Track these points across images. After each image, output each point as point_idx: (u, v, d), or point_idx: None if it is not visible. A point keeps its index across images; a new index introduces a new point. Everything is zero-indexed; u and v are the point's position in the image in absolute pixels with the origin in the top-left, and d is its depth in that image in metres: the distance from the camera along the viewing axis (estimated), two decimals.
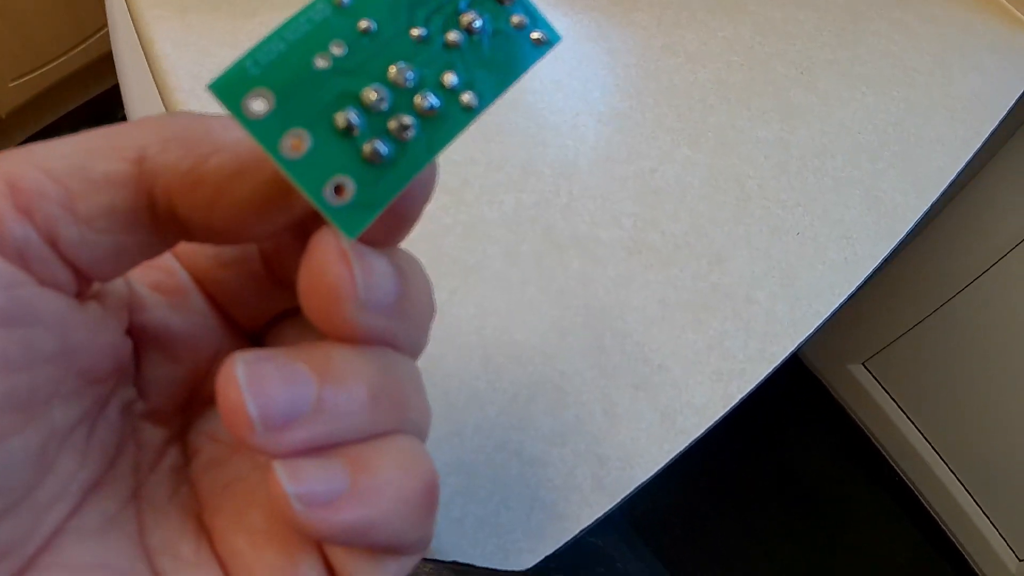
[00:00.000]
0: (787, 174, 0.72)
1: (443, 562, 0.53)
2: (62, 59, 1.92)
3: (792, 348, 0.66)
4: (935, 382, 1.20)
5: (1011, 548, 1.24)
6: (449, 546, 0.53)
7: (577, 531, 0.57)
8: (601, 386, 0.63)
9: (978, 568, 1.32)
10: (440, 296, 0.67)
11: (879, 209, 0.72)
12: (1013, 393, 1.13)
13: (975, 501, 1.27)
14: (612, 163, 0.71)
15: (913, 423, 1.32)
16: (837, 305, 0.68)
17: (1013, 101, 0.87)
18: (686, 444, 0.63)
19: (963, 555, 1.34)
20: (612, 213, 0.69)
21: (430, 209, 0.67)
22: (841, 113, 0.80)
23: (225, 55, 0.72)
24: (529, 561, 0.54)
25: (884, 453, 1.40)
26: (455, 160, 0.71)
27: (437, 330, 0.33)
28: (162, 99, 0.72)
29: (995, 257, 1.07)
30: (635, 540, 0.83)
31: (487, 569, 0.54)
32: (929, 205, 0.75)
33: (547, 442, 0.60)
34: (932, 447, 1.31)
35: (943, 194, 0.77)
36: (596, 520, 0.58)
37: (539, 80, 0.76)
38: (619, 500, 0.61)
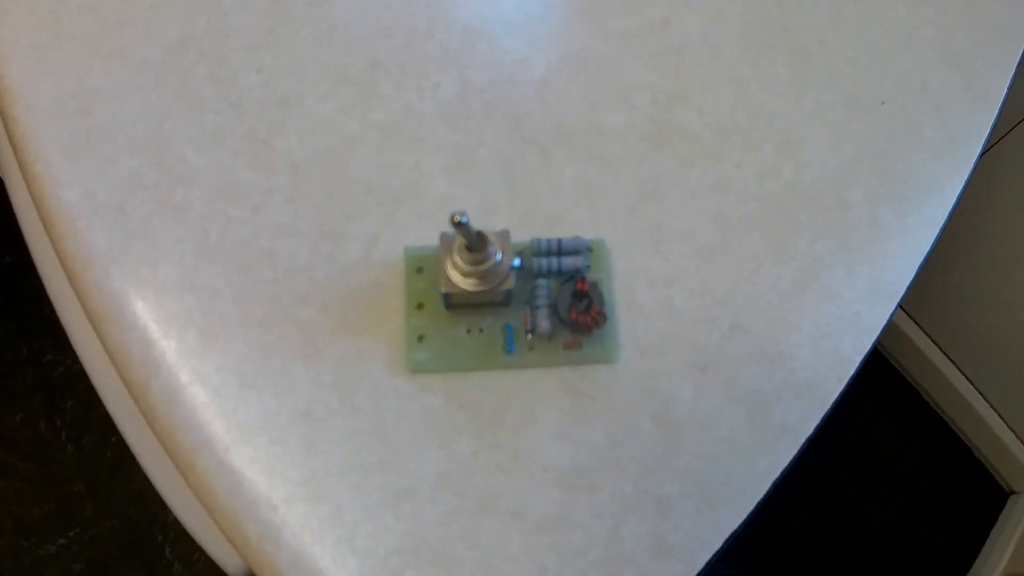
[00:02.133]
0: (845, 24, 0.46)
1: None
2: None
3: (912, 273, 0.40)
4: (935, 280, 1.01)
5: (1020, 439, 1.09)
6: None
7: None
8: (648, 373, 0.36)
9: (988, 462, 1.15)
10: (355, 245, 0.38)
11: (963, 71, 0.46)
12: (1016, 282, 0.95)
13: (981, 394, 1.10)
14: (603, 15, 0.43)
15: (913, 319, 1.13)
16: (953, 203, 0.42)
17: None
18: (795, 452, 0.36)
19: (971, 449, 1.17)
20: (617, 87, 0.40)
21: (327, 113, 0.38)
22: None
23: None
24: None
25: (884, 352, 1.21)
26: (357, 32, 0.41)
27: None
28: None
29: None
30: None
31: None
32: (1016, 65, 0.49)
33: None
34: (934, 342, 1.12)
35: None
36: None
37: None
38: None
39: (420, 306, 0.35)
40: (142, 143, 0.39)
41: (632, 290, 0.37)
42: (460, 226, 0.30)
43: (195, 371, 0.36)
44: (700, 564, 0.35)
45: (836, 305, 0.37)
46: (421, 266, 0.36)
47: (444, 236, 0.34)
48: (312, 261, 0.37)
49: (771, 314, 0.37)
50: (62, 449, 0.92)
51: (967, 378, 1.09)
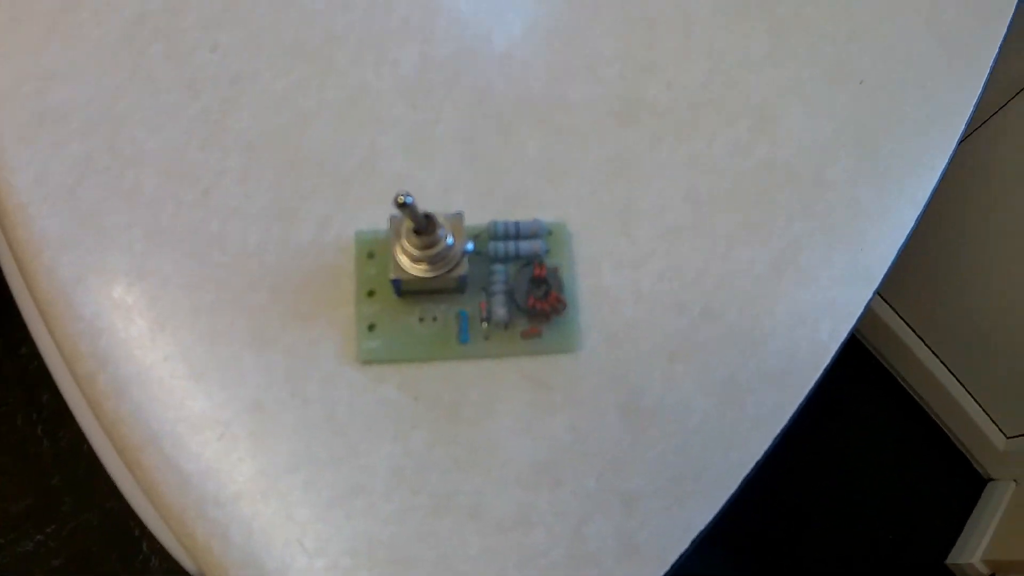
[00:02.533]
0: None
1: None
2: None
3: (892, 256, 0.37)
4: (911, 263, 0.98)
5: (997, 426, 1.07)
6: None
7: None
8: (614, 362, 0.34)
9: (965, 449, 1.13)
10: (308, 228, 0.35)
11: (947, 46, 0.43)
12: (992, 267, 0.92)
13: (958, 381, 1.08)
14: None
15: (890, 305, 1.10)
16: (935, 183, 0.39)
17: None
18: (770, 443, 0.34)
19: (949, 437, 1.15)
20: (583, 59, 0.38)
21: (282, 90, 0.36)
22: None
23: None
24: None
25: (861, 338, 1.19)
26: (314, 6, 0.39)
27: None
28: None
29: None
30: None
31: None
32: (1001, 39, 0.47)
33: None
34: (910, 328, 1.10)
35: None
36: None
37: None
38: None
39: (371, 293, 0.33)
40: (95, 124, 0.37)
41: (597, 274, 0.34)
42: (405, 207, 0.28)
43: (142, 363, 0.33)
44: (668, 563, 0.32)
45: (813, 289, 0.35)
46: (372, 251, 0.33)
47: (393, 219, 0.31)
48: (263, 245, 0.35)
49: (744, 298, 0.34)
50: (39, 443, 0.89)
51: (944, 364, 1.07)
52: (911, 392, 1.15)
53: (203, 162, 0.36)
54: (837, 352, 0.35)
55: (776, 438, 0.34)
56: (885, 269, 0.36)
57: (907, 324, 1.09)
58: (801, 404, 0.34)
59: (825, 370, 0.34)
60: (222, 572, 0.32)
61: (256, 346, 0.33)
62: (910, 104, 0.38)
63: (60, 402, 0.96)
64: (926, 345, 1.08)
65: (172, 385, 0.33)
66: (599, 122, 0.36)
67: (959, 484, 1.12)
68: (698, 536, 0.33)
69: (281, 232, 0.35)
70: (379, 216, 0.35)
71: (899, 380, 1.16)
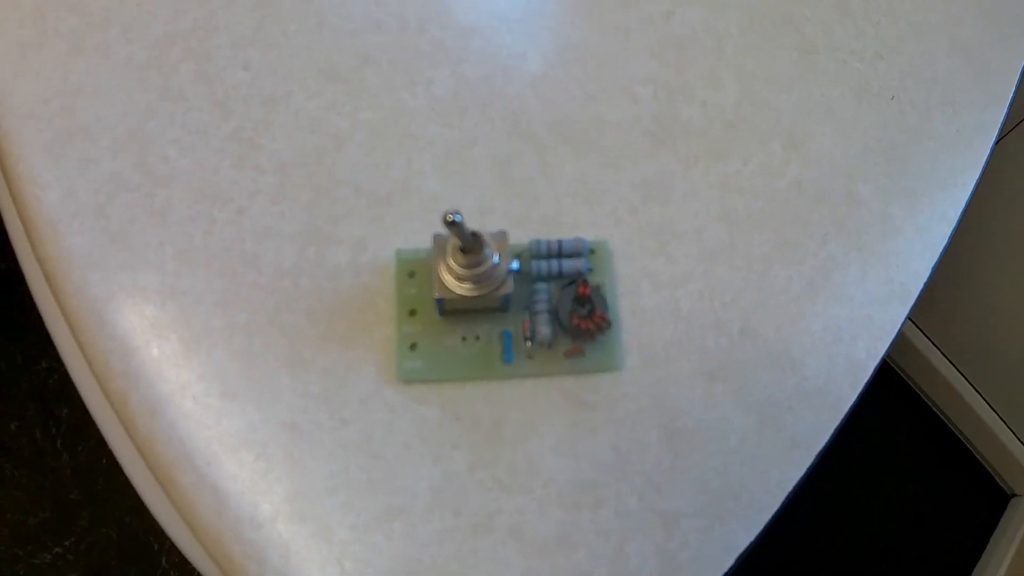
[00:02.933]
0: (851, 17, 0.42)
1: None
2: None
3: (927, 273, 0.37)
4: (936, 281, 0.96)
5: (1021, 441, 1.05)
6: None
7: None
8: (654, 381, 0.33)
9: (989, 465, 1.11)
10: (344, 249, 0.34)
11: (972, 64, 0.43)
12: (1015, 282, 0.91)
13: (982, 397, 1.06)
14: (603, 8, 0.39)
15: (912, 321, 1.08)
16: (966, 200, 0.39)
17: None
18: (809, 463, 0.33)
19: (972, 452, 1.13)
20: (617, 81, 0.37)
21: (315, 110, 0.35)
22: None
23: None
24: None
25: (889, 360, 1.17)
26: (346, 28, 0.38)
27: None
28: None
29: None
30: None
31: None
32: None
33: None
34: (933, 343, 1.07)
35: None
36: None
37: None
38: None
39: (412, 312, 0.32)
40: (125, 143, 0.36)
41: (636, 294, 0.33)
42: (453, 226, 0.27)
43: (176, 381, 0.32)
44: None
45: (849, 308, 0.34)
46: (413, 270, 0.33)
47: (437, 238, 0.31)
48: (298, 265, 0.34)
49: (782, 318, 0.34)
50: (58, 457, 0.87)
51: (967, 379, 1.05)
52: (933, 407, 1.13)
53: (236, 181, 0.35)
54: (874, 371, 0.34)
55: (816, 458, 0.33)
56: (920, 286, 0.35)
57: (931, 340, 1.07)
58: (839, 424, 0.33)
59: (864, 388, 0.34)
60: None
61: (292, 367, 0.32)
62: (939, 121, 0.38)
63: (79, 416, 0.95)
64: (949, 361, 1.06)
65: (207, 404, 0.32)
66: (634, 143, 0.35)
67: (983, 500, 1.09)
68: (740, 556, 0.32)
69: (316, 253, 0.34)
70: (416, 237, 0.34)
71: (921, 395, 1.14)
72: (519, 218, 0.34)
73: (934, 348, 1.07)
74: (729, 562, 0.32)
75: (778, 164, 0.36)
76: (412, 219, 0.34)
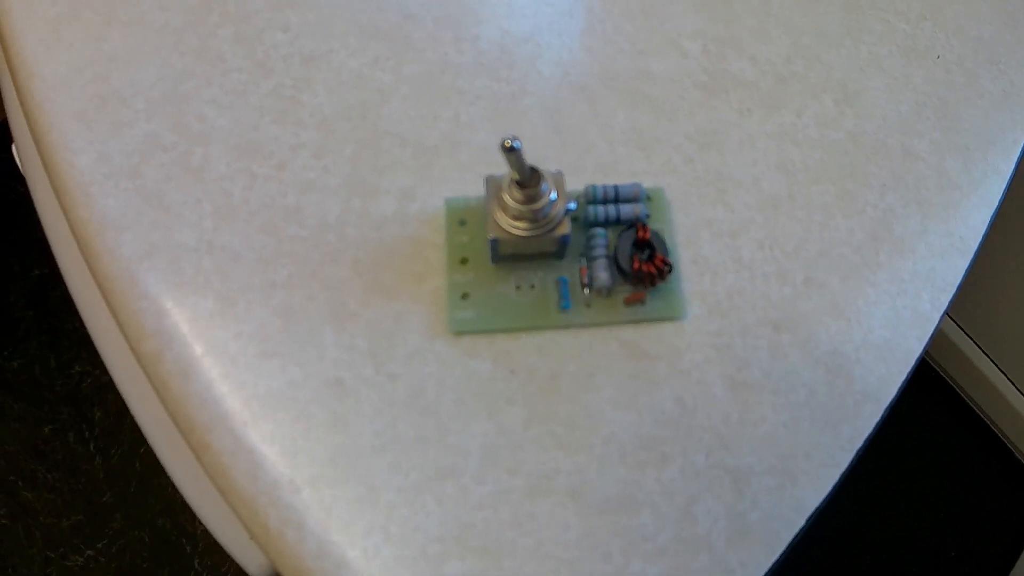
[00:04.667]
0: None
1: None
2: None
3: (985, 226, 0.32)
4: (974, 279, 0.90)
5: None
6: None
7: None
8: (718, 332, 0.28)
9: None
10: (390, 200, 0.30)
11: (1016, 24, 0.39)
12: None
13: (1022, 395, 0.99)
14: None
15: (952, 319, 1.01)
16: (1018, 156, 0.34)
17: None
18: (879, 417, 0.28)
19: (1013, 452, 1.05)
20: (664, 35, 0.33)
21: (357, 67, 0.31)
22: None
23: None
24: None
25: (928, 358, 1.10)
26: None
27: None
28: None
29: None
30: None
31: None
32: None
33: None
34: (972, 340, 1.00)
35: None
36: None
37: None
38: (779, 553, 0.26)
39: (464, 261, 0.28)
40: (160, 105, 0.32)
41: (695, 242, 0.29)
42: (512, 152, 0.23)
43: (211, 340, 0.28)
44: (782, 546, 0.27)
45: (911, 260, 0.30)
46: (464, 218, 0.28)
47: (491, 179, 0.26)
48: (343, 217, 0.29)
49: (846, 268, 0.29)
50: (91, 460, 0.81)
51: (1007, 376, 0.97)
52: (973, 406, 1.05)
53: (277, 137, 0.31)
54: (939, 324, 0.29)
55: (886, 411, 0.28)
56: (979, 240, 0.31)
57: (972, 339, 1.00)
58: (907, 378, 0.29)
59: (928, 342, 0.29)
60: (297, 563, 0.26)
61: (336, 321, 0.28)
62: (986, 79, 0.34)
63: (112, 419, 0.89)
64: (987, 356, 0.98)
65: (244, 363, 0.27)
66: (686, 94, 0.31)
67: (1021, 497, 1.02)
68: (811, 516, 0.27)
69: (361, 204, 0.29)
70: (465, 187, 0.29)
71: (960, 392, 1.06)
72: (573, 167, 0.30)
73: (972, 343, 1.00)
74: (800, 523, 0.27)
75: (832, 117, 0.32)
76: (461, 170, 0.30)
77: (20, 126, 0.50)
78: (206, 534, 0.78)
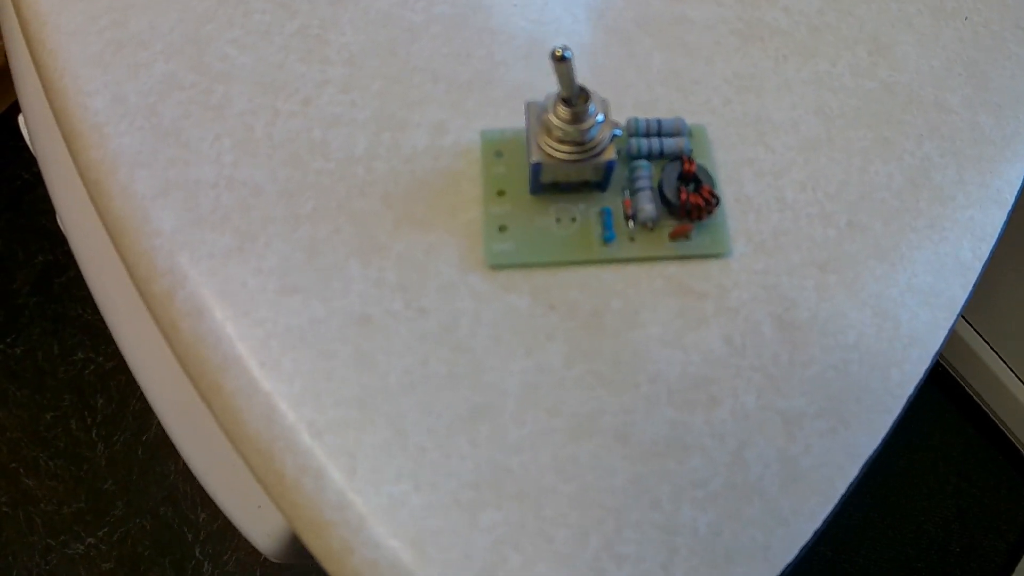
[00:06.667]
0: None
1: None
2: None
3: (1020, 181, 0.29)
4: (986, 279, 0.85)
5: None
6: None
7: None
8: (765, 270, 0.25)
9: None
10: (422, 133, 0.27)
11: None
12: None
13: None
14: None
15: (964, 318, 0.97)
16: None
17: None
18: (928, 363, 0.25)
19: (1019, 449, 1.00)
20: None
21: (386, 6, 0.25)
22: None
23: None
24: None
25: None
26: None
27: None
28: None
29: None
30: None
31: None
32: None
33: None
34: (989, 345, 0.96)
35: None
36: None
37: None
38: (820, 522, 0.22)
39: (501, 193, 0.24)
40: (179, 47, 0.28)
41: (738, 181, 0.26)
42: (562, 62, 0.20)
43: (228, 277, 0.24)
44: (837, 496, 0.23)
45: (951, 208, 0.27)
46: (500, 150, 0.25)
47: (531, 104, 0.23)
48: (372, 150, 0.26)
49: (887, 212, 0.26)
50: (93, 447, 0.76)
51: (1014, 372, 0.92)
52: (978, 400, 0.99)
53: (302, 74, 0.27)
54: (980, 273, 0.26)
55: (934, 358, 0.25)
56: (1015, 193, 0.28)
57: (974, 329, 0.95)
58: (952, 325, 0.26)
59: (972, 289, 0.26)
60: (314, 515, 0.22)
61: (364, 254, 0.24)
62: (1011, 43, 0.31)
63: (115, 407, 0.83)
64: (992, 350, 0.93)
65: (263, 300, 0.24)
66: (722, 39, 0.28)
67: None
68: (865, 464, 0.23)
69: (391, 137, 0.26)
70: (500, 122, 0.26)
71: (964, 386, 1.01)
72: (612, 104, 0.27)
73: (977, 336, 0.95)
74: (855, 471, 0.23)
75: (866, 67, 0.29)
76: (496, 106, 0.26)
77: (30, 92, 0.46)
78: (208, 522, 0.72)
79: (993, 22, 0.32)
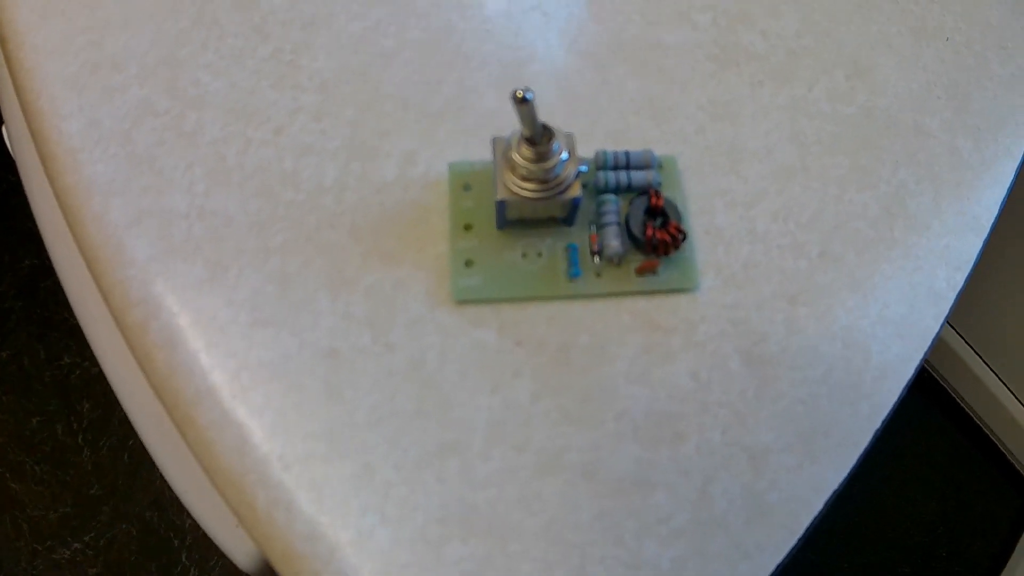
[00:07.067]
0: None
1: None
2: None
3: (997, 207, 0.30)
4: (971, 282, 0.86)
5: None
6: None
7: None
8: (733, 304, 0.26)
9: (1021, 466, 1.00)
10: (391, 163, 0.27)
11: (1021, 9, 0.37)
12: None
13: (1016, 398, 0.95)
14: None
15: (952, 326, 0.98)
16: None
17: None
18: (898, 395, 0.25)
19: (1005, 455, 1.01)
20: (674, 6, 0.30)
21: (359, 32, 0.28)
22: None
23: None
24: None
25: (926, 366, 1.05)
26: None
27: None
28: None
29: None
30: None
31: None
32: None
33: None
34: (974, 351, 0.96)
35: None
36: None
37: None
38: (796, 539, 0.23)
39: (468, 227, 0.25)
40: (153, 70, 0.29)
41: (709, 212, 0.26)
42: (524, 104, 0.20)
43: (200, 309, 0.25)
44: (802, 529, 0.24)
45: (926, 236, 0.27)
46: (469, 183, 0.25)
47: (497, 140, 0.23)
48: (342, 180, 0.26)
49: (861, 242, 0.27)
50: (79, 452, 0.76)
51: (999, 378, 0.93)
52: (963, 405, 1.00)
53: (274, 101, 0.28)
54: (954, 303, 0.27)
55: (904, 390, 0.25)
56: (992, 219, 0.28)
57: (960, 335, 0.95)
58: (924, 356, 0.26)
59: (945, 320, 0.27)
60: (286, 546, 0.22)
61: (333, 287, 0.25)
62: (994, 63, 0.32)
63: (101, 411, 0.84)
64: (977, 355, 0.94)
65: (234, 332, 0.24)
66: (697, 65, 0.29)
67: (1015, 501, 0.98)
68: (831, 497, 0.24)
69: (361, 168, 0.26)
70: (470, 152, 0.27)
71: (950, 392, 1.01)
72: (582, 134, 0.27)
73: (963, 342, 0.95)
74: (820, 505, 0.24)
75: (844, 92, 0.29)
76: (467, 136, 0.27)
77: (12, 103, 0.47)
78: (194, 528, 0.73)
79: (975, 42, 0.32)
